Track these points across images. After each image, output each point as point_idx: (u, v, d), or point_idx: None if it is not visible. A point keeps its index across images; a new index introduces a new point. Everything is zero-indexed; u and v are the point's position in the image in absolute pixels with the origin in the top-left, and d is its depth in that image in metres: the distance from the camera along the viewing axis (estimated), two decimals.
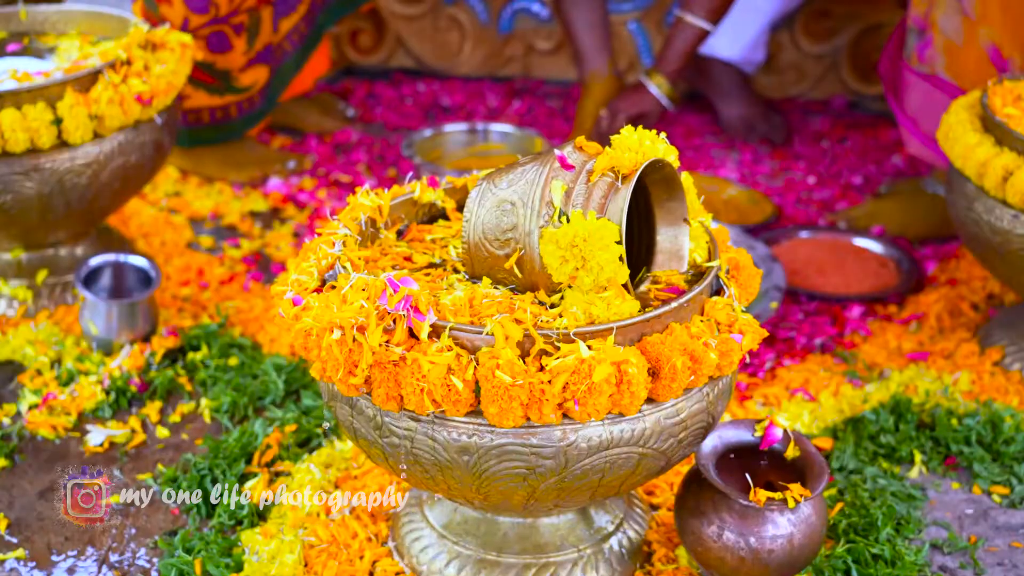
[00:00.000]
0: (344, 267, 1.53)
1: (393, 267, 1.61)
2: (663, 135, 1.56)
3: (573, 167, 1.52)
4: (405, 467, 1.51)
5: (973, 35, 2.40)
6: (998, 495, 1.95)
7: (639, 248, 1.61)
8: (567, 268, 1.43)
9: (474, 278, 1.58)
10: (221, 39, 2.72)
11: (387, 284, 1.44)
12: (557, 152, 1.52)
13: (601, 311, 1.43)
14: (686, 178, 1.61)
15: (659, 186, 1.58)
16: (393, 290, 1.43)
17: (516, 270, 1.50)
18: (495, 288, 1.53)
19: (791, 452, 1.67)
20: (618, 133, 2.90)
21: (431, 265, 1.64)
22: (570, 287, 1.45)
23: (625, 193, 1.47)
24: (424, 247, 1.69)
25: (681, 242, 1.59)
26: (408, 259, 1.65)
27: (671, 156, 1.55)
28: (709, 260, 1.60)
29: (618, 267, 1.44)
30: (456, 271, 1.62)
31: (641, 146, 1.52)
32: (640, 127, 2.77)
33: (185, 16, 2.65)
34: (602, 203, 1.49)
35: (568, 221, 1.46)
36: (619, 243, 1.43)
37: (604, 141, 2.91)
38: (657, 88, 2.86)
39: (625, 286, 1.47)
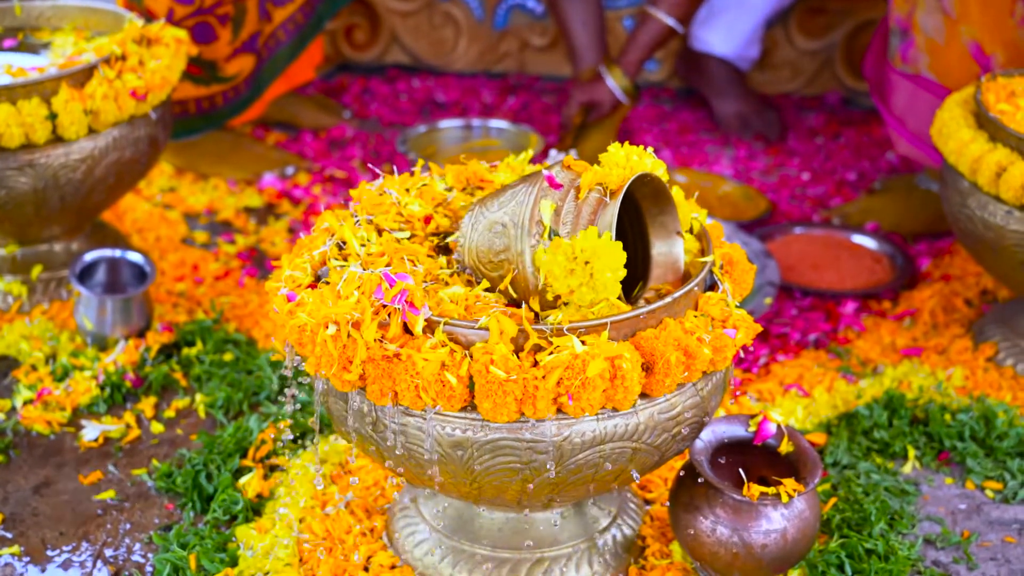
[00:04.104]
0: (339, 262, 1.53)
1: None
2: (650, 150, 1.57)
3: (561, 186, 1.53)
4: (400, 462, 1.51)
5: (954, 33, 2.41)
6: (991, 490, 1.96)
7: (635, 261, 1.62)
8: (572, 280, 1.43)
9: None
10: (206, 30, 2.72)
11: (382, 278, 1.45)
12: (545, 172, 1.53)
13: None
14: (677, 192, 1.62)
15: (649, 200, 1.59)
16: (389, 284, 1.44)
17: (511, 291, 1.51)
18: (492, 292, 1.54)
19: (785, 447, 1.67)
20: (571, 119, 2.94)
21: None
22: (565, 304, 1.46)
23: (612, 209, 1.48)
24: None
25: (676, 254, 1.60)
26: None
27: (658, 170, 1.56)
28: (703, 256, 1.61)
29: (617, 285, 1.44)
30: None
31: (628, 161, 1.53)
32: (593, 117, 2.72)
33: (170, 7, 2.64)
34: (591, 219, 1.49)
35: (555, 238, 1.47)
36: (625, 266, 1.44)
37: (567, 126, 2.95)
38: (612, 79, 2.87)
39: (619, 299, 1.47)
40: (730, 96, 3.32)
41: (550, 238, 1.48)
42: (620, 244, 1.44)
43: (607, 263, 1.42)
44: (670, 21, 2.82)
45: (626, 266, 1.57)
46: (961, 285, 2.49)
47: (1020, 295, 2.26)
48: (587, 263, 1.42)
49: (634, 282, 1.59)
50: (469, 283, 1.56)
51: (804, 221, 2.82)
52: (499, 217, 1.52)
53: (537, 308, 1.48)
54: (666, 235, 1.59)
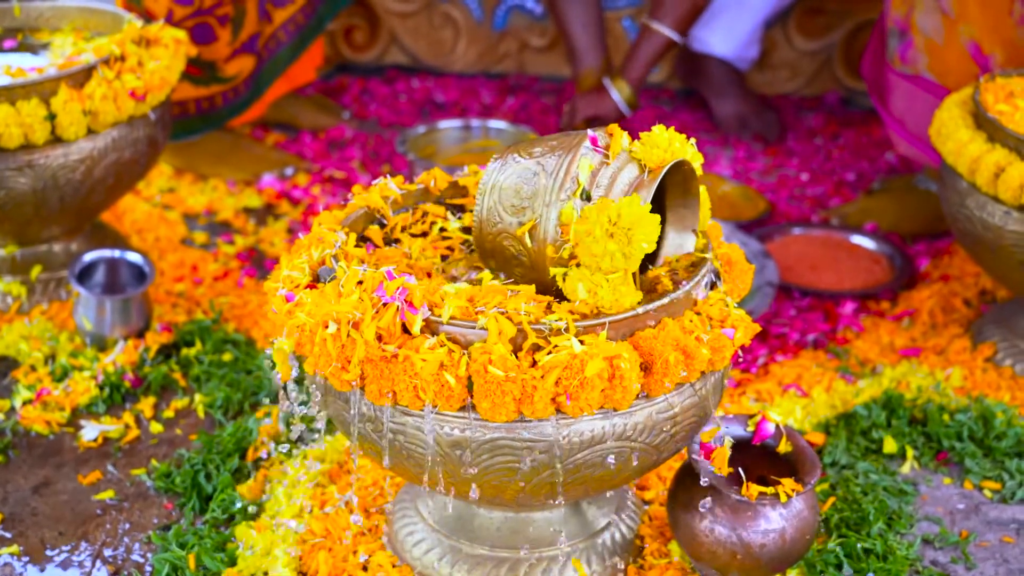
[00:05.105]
0: (339, 260, 1.54)
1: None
2: (693, 140, 1.57)
3: (602, 150, 1.53)
4: (398, 461, 1.51)
5: (953, 33, 2.42)
6: (989, 490, 1.96)
7: None
8: (610, 244, 1.42)
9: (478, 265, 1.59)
10: (205, 30, 2.72)
11: (384, 276, 1.45)
12: (590, 133, 1.53)
13: (606, 294, 1.43)
14: (704, 192, 1.62)
15: (677, 189, 1.59)
16: (390, 280, 1.44)
17: (527, 239, 1.51)
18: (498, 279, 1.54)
19: (783, 447, 1.67)
20: (573, 128, 2.93)
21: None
22: (578, 265, 1.45)
23: (650, 187, 1.48)
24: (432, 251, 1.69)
25: (687, 249, 1.60)
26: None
27: (697, 162, 1.57)
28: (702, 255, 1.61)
29: (641, 257, 1.45)
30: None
31: (670, 145, 1.54)
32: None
33: (169, 8, 2.65)
34: (626, 191, 1.50)
35: (589, 200, 1.47)
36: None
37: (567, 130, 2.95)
38: (618, 93, 2.88)
39: (634, 275, 1.48)
40: (729, 96, 3.32)
41: (582, 197, 1.48)
42: (658, 218, 1.44)
43: (645, 234, 1.43)
44: (674, 35, 2.84)
45: None
46: (960, 285, 2.49)
47: (1019, 295, 2.26)
48: (628, 229, 1.42)
49: (643, 266, 1.59)
50: (476, 267, 1.56)
51: (803, 221, 2.82)
52: (532, 165, 1.52)
53: (552, 254, 1.48)
54: (682, 228, 1.60)
